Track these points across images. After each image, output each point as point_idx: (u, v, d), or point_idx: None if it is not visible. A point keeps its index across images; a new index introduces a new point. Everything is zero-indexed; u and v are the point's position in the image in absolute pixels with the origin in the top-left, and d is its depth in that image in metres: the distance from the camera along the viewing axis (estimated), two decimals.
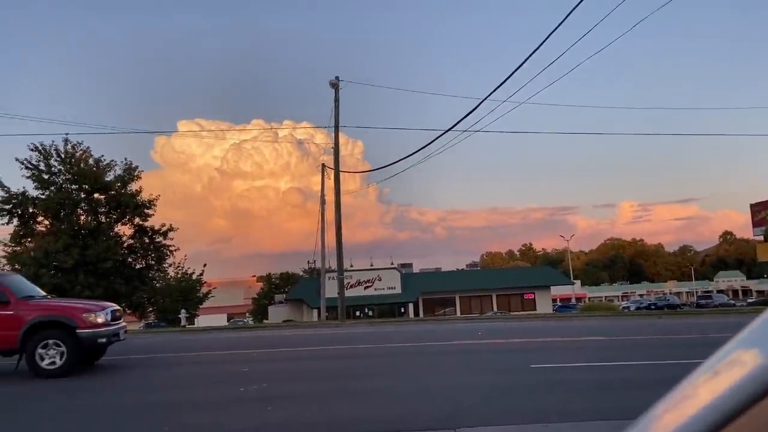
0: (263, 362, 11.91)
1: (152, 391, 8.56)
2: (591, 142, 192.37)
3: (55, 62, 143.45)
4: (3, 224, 33.25)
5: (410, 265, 71.02)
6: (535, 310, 49.55)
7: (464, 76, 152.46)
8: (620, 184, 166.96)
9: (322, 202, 39.91)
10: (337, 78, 28.95)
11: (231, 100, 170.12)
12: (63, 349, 9.71)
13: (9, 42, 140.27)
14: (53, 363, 9.68)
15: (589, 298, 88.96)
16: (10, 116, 79.19)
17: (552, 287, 56.22)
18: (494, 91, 19.28)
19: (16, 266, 32.83)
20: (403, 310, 50.96)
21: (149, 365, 11.89)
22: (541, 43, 16.25)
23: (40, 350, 9.66)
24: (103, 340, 10.28)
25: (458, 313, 50.11)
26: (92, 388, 9.01)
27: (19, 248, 33.62)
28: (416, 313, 50.32)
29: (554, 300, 61.26)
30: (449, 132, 23.44)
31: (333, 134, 29.86)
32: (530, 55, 16.70)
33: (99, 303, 10.91)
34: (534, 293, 53.52)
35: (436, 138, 24.60)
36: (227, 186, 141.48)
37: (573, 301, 68.94)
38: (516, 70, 17.72)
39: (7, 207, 32.92)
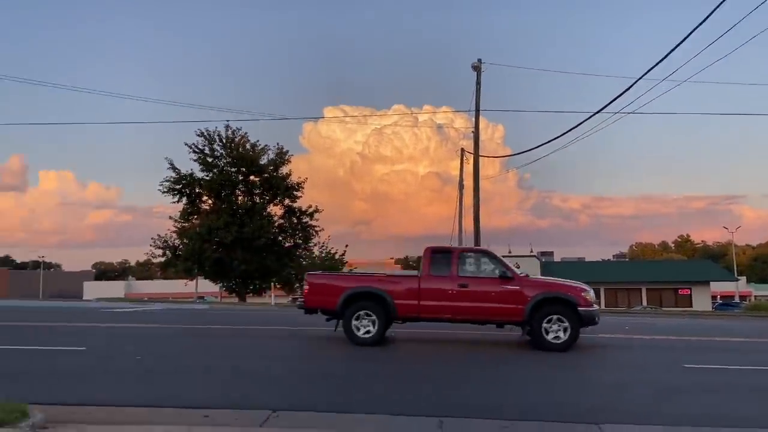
0: (404, 342, 12.22)
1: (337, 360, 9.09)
2: (763, 124, 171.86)
3: (216, 54, 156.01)
4: (174, 202, 37.16)
5: (551, 254, 68.64)
6: (691, 306, 45.66)
7: (618, 54, 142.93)
8: None
9: (461, 186, 39.71)
10: (479, 61, 28.48)
11: (373, 86, 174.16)
12: (566, 324, 10.30)
13: (178, 35, 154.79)
14: (557, 338, 10.31)
15: (756, 296, 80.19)
16: (180, 104, 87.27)
17: (712, 283, 51.41)
18: (652, 68, 17.83)
19: (184, 240, 36.55)
20: None
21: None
22: (710, 14, 14.76)
23: (545, 325, 10.35)
24: (598, 318, 10.84)
25: (602, 306, 47.61)
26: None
27: (186, 224, 37.35)
28: None
29: (714, 297, 56.03)
30: (598, 114, 22.14)
31: (473, 118, 29.53)
32: (697, 27, 15.22)
33: (582, 284, 11.24)
34: (690, 289, 49.31)
35: (584, 120, 23.33)
36: (368, 170, 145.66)
37: (736, 299, 62.54)
38: (678, 46, 16.26)
39: (178, 187, 36.69)
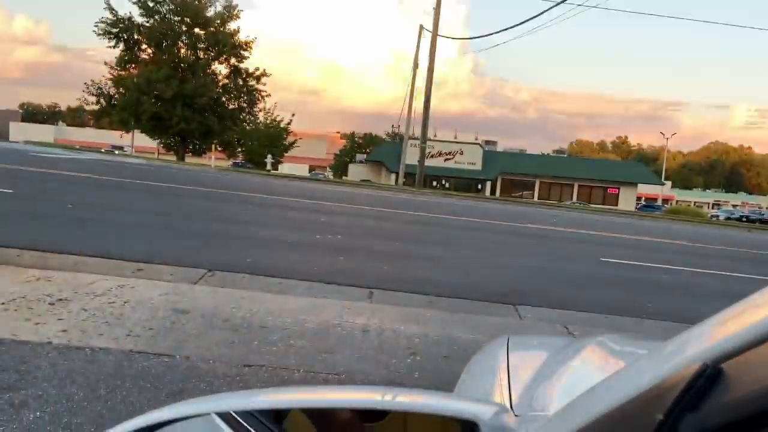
0: (339, 215, 12.44)
1: (256, 225, 9.18)
2: (715, 33, 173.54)
3: None
4: (110, 47, 34.82)
5: (494, 143, 69.58)
6: (617, 205, 48.18)
7: None
8: (740, 84, 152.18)
9: (415, 65, 38.81)
10: None
11: None
12: None
13: None
14: None
15: (678, 201, 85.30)
16: None
17: (639, 185, 54.02)
18: None
19: (120, 89, 34.74)
20: (480, 187, 50.84)
21: (257, 203, 12.68)
22: None
23: None
24: None
25: (536, 198, 49.53)
26: None
27: (123, 72, 35.34)
28: (493, 192, 50.17)
29: (639, 198, 59.13)
30: (563, 4, 21.68)
31: None
32: None
33: None
34: (619, 188, 51.76)
35: (546, 10, 22.89)
36: (322, 38, 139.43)
37: (659, 202, 66.35)
38: None
39: (115, 31, 34.25)
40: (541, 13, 23.42)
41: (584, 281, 7.50)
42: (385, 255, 7.71)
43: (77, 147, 47.73)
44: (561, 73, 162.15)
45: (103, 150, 49.07)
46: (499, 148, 63.72)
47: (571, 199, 49.62)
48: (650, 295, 6.90)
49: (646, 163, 75.83)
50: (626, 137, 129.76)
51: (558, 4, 22.32)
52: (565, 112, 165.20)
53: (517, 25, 25.78)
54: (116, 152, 52.81)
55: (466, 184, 49.39)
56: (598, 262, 9.37)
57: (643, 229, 18.42)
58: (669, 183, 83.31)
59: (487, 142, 60.63)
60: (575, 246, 11.54)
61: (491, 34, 29.82)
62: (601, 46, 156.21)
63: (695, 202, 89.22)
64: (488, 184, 50.92)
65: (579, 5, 21.69)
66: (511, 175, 51.67)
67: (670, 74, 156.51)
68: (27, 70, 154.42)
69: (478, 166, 51.13)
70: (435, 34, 28.83)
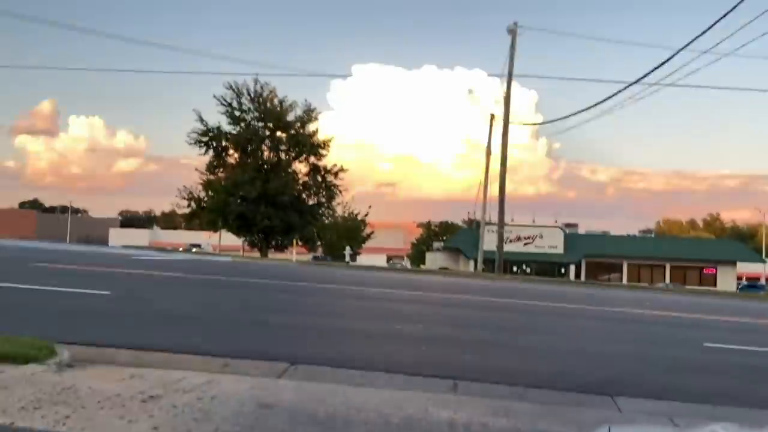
0: (419, 304, 12.30)
1: (337, 317, 9.25)
2: None
3: (247, 6, 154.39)
4: (201, 154, 37.53)
5: (575, 226, 67.92)
6: (716, 286, 45.10)
7: (657, 25, 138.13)
8: None
9: (488, 153, 39.27)
10: (515, 24, 27.81)
11: (405, 45, 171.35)
12: None
13: None
14: None
15: None
16: (211, 56, 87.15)
17: (738, 264, 50.59)
18: (692, 42, 17.29)
19: (209, 192, 37.01)
20: (563, 271, 49.26)
21: (331, 294, 12.85)
22: None
23: None
24: None
25: (624, 281, 47.26)
26: None
27: (212, 177, 37.75)
28: (578, 276, 48.39)
29: (739, 278, 55.21)
30: (634, 85, 21.58)
31: (506, 83, 29.00)
32: (740, 2, 14.62)
33: None
34: (716, 268, 48.65)
35: (619, 91, 22.90)
36: (396, 131, 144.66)
37: (762, 281, 61.55)
38: (720, 20, 15.68)
39: (205, 139, 36.99)
40: (610, 97, 23.36)
41: (687, 368, 6.91)
42: (469, 344, 7.48)
43: (169, 249, 50.61)
44: (640, 151, 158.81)
45: (181, 249, 51.92)
46: (581, 230, 62.00)
47: (664, 281, 47.01)
48: (761, 383, 6.26)
49: (743, 241, 71.29)
50: (718, 214, 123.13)
51: (628, 86, 22.26)
52: (648, 190, 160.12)
53: (587, 109, 25.81)
54: (193, 249, 55.67)
55: (548, 268, 48.02)
56: (700, 348, 8.66)
57: (748, 310, 17.03)
58: None
59: (568, 225, 59.26)
60: (674, 330, 10.77)
61: (562, 118, 29.95)
62: (680, 122, 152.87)
63: None
64: (572, 267, 49.26)
65: (654, 84, 21.52)
66: (596, 257, 49.86)
67: (758, 147, 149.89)
68: (126, 179, 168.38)
69: (560, 250, 49.79)
70: (506, 121, 29.26)
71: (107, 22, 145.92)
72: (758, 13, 15.50)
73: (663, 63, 19.21)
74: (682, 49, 17.95)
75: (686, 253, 50.46)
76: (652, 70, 19.83)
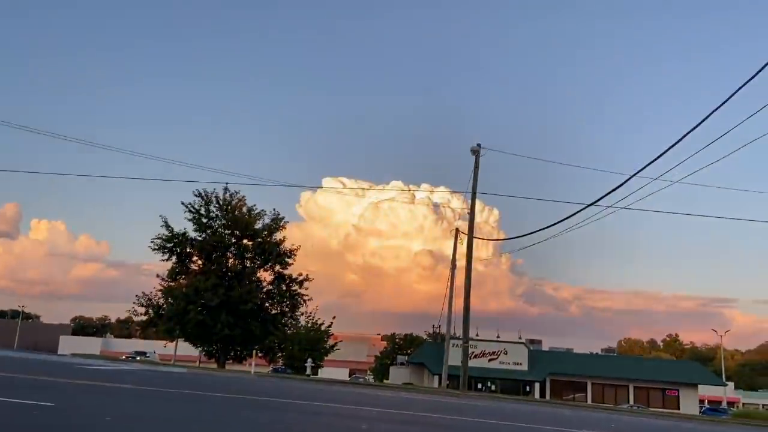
0: (382, 422, 11.78)
1: None
2: (756, 230, 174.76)
3: (224, 109, 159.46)
4: (163, 260, 36.85)
5: (539, 342, 67.67)
6: (678, 408, 44.76)
7: (614, 149, 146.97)
8: None
9: (453, 266, 39.70)
10: (478, 145, 29.22)
11: (374, 161, 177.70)
12: None
13: (185, 88, 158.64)
14: None
15: (744, 404, 78.72)
16: (181, 163, 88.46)
17: (699, 386, 50.61)
18: (644, 168, 18.36)
19: (169, 300, 35.98)
20: (528, 389, 48.40)
21: (272, 408, 12.25)
22: (701, 122, 15.33)
23: None
24: None
25: (589, 401, 46.54)
26: None
27: (173, 283, 36.88)
28: (542, 394, 47.55)
29: (701, 401, 54.96)
30: (592, 206, 22.51)
31: (469, 200, 29.96)
32: (691, 130, 15.77)
33: None
34: (678, 390, 48.53)
35: (578, 212, 23.75)
36: (362, 243, 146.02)
37: (724, 404, 61.35)
38: (671, 147, 16.79)
39: (169, 245, 36.51)
40: (569, 216, 24.27)
41: None
42: None
43: (123, 357, 48.26)
44: (601, 271, 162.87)
45: (123, 357, 49.92)
46: (545, 346, 61.74)
47: (628, 401, 46.49)
48: None
49: (702, 363, 71.84)
50: (677, 335, 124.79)
51: (585, 207, 23.20)
52: (610, 309, 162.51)
53: (547, 227, 26.60)
54: (138, 358, 53.57)
55: (513, 386, 47.16)
56: None
57: None
58: (731, 384, 77.87)
59: (532, 341, 59.00)
60: None
61: (524, 235, 30.74)
62: (639, 244, 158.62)
63: (764, 405, 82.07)
64: (537, 385, 48.47)
65: (609, 206, 22.47)
66: (560, 375, 49.33)
67: (714, 271, 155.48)
68: (83, 285, 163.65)
69: (525, 366, 49.20)
70: (471, 236, 29.90)
71: (72, 127, 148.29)
72: (709, 142, 16.65)
73: (615, 188, 20.25)
74: (633, 176, 19.02)
75: (648, 374, 50.36)
76: (606, 194, 20.82)
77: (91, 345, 78.59)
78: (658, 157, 17.56)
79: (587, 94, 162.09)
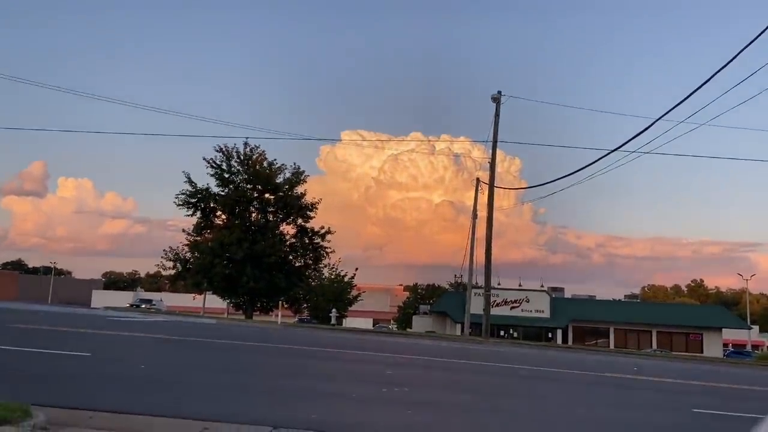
0: (405, 367, 12.09)
1: (321, 380, 9.06)
2: None
3: (242, 64, 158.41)
4: (188, 215, 37.44)
5: (561, 290, 67.95)
6: (702, 352, 44.89)
7: (638, 93, 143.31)
8: None
9: (474, 216, 39.67)
10: (499, 92, 28.70)
11: (392, 112, 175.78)
12: None
13: (204, 44, 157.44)
14: None
15: None
16: (202, 119, 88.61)
17: (723, 330, 50.57)
18: (669, 111, 17.91)
19: (195, 254, 36.73)
20: (550, 335, 48.86)
21: (301, 355, 12.62)
22: (727, 63, 14.82)
23: None
24: None
25: (612, 346, 46.91)
26: None
27: (199, 238, 37.53)
28: (564, 341, 47.99)
29: (725, 345, 55.03)
30: (615, 152, 22.16)
31: (490, 149, 29.63)
32: (714, 75, 15.30)
33: None
34: (701, 334, 48.56)
35: (601, 158, 23.40)
36: (383, 195, 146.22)
37: (748, 347, 61.40)
38: (695, 91, 16.33)
39: (193, 201, 36.98)
40: (591, 163, 23.93)
41: None
42: (456, 408, 7.33)
43: (152, 310, 49.71)
44: (624, 218, 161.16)
45: (128, 304, 51.07)
46: (567, 294, 61.96)
47: (651, 346, 46.72)
48: None
49: (727, 307, 71.53)
50: (702, 280, 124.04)
51: (608, 153, 22.84)
52: (633, 256, 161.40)
53: (568, 175, 26.29)
54: (143, 306, 54.96)
55: (535, 332, 47.64)
56: (690, 414, 8.55)
57: (737, 377, 16.93)
58: (756, 327, 77.69)
59: (554, 289, 59.26)
60: (663, 397, 10.65)
61: (544, 183, 30.48)
62: (661, 189, 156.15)
63: None
64: (559, 332, 48.90)
65: (634, 152, 22.10)
66: (582, 322, 49.64)
67: (740, 215, 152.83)
68: (112, 241, 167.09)
69: (547, 314, 49.55)
70: (492, 185, 29.71)
71: (98, 85, 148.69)
72: (733, 84, 16.16)
73: (641, 132, 19.82)
74: (659, 118, 18.57)
75: (672, 318, 50.42)
76: (632, 138, 20.42)
77: (123, 298, 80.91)
78: (683, 100, 17.12)
79: (610, 37, 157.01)
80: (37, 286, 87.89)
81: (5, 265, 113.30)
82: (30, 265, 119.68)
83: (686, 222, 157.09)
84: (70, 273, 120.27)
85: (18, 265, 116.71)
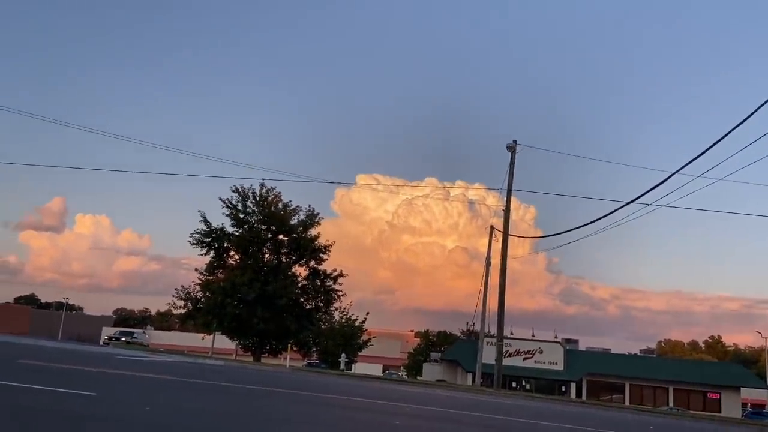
0: (414, 418, 11.79)
1: (332, 428, 8.86)
2: None
3: (262, 106, 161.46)
4: (201, 254, 37.58)
5: (575, 342, 66.76)
6: (720, 412, 43.51)
7: (655, 146, 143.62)
8: None
9: (487, 264, 39.42)
10: (514, 141, 28.91)
11: (408, 157, 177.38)
12: None
13: (224, 86, 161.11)
14: None
15: None
16: (221, 160, 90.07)
17: (742, 389, 49.11)
18: (686, 165, 17.88)
19: (207, 293, 36.68)
20: (564, 389, 47.75)
21: (306, 402, 12.39)
22: (746, 119, 14.84)
23: None
24: None
25: (627, 402, 45.63)
26: None
27: (211, 277, 37.56)
28: (578, 395, 46.83)
29: (744, 404, 53.34)
30: (631, 204, 22.04)
31: (505, 197, 29.65)
32: (736, 126, 15.30)
33: None
34: (720, 393, 47.16)
35: (617, 209, 23.29)
36: (396, 239, 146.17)
37: None
38: (713, 146, 16.32)
39: (207, 240, 37.20)
40: (607, 214, 23.81)
41: None
42: None
43: (161, 350, 49.45)
44: (640, 270, 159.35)
45: (105, 338, 50.02)
46: (581, 346, 60.84)
47: (667, 404, 45.42)
48: None
49: (745, 365, 69.65)
50: (719, 336, 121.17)
51: (624, 205, 22.74)
52: (648, 309, 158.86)
53: (584, 225, 26.14)
54: (122, 339, 54.24)
55: (548, 385, 46.58)
56: None
57: None
58: None
59: (568, 341, 58.20)
60: None
61: (560, 233, 30.35)
62: (679, 243, 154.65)
63: None
64: (573, 385, 47.76)
65: (650, 204, 21.97)
66: (597, 376, 48.50)
67: (759, 271, 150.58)
68: (125, 278, 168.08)
69: (560, 366, 48.53)
70: (506, 233, 29.57)
71: (121, 124, 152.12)
72: (752, 140, 16.13)
73: (658, 184, 19.78)
74: (676, 172, 18.53)
75: (689, 376, 49.10)
76: (648, 191, 20.35)
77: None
78: (699, 155, 17.11)
79: (626, 90, 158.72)
80: (48, 322, 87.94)
81: (18, 299, 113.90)
82: (43, 300, 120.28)
83: (704, 276, 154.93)
84: (81, 309, 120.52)
85: (31, 300, 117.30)
